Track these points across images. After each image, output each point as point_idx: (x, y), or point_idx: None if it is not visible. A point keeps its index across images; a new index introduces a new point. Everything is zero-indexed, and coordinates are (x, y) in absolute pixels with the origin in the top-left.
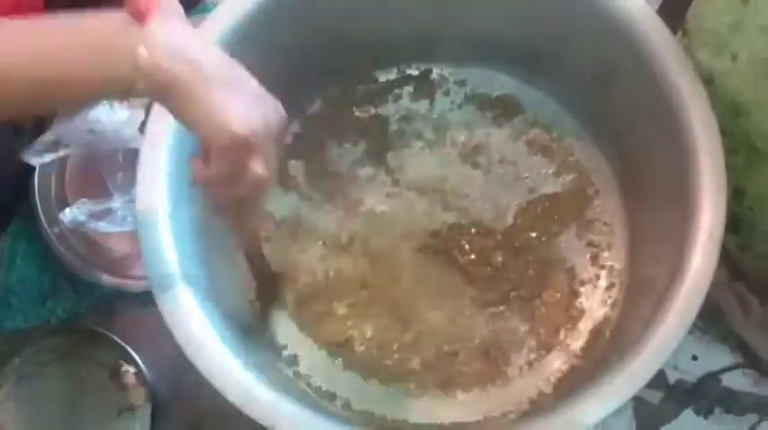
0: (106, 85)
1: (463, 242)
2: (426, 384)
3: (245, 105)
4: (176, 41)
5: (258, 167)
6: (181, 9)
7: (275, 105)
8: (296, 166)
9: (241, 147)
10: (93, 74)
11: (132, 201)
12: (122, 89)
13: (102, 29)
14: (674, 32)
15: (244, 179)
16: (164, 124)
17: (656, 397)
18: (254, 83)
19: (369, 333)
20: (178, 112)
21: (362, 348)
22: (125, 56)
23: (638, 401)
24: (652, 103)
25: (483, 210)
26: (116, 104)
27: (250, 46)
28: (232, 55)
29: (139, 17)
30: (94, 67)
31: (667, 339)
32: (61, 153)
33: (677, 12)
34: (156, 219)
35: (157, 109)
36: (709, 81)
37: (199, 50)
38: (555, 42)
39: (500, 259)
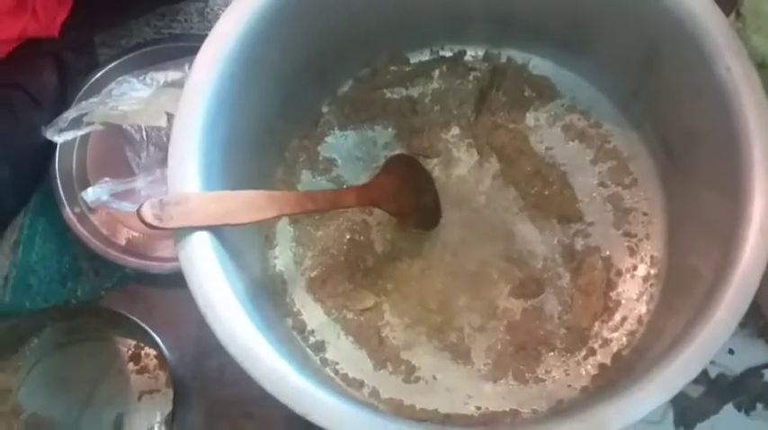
0: None
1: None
2: (456, 374)
3: None
4: None
5: None
6: None
7: None
8: (326, 148)
9: None
10: None
11: (156, 180)
12: None
13: None
14: (726, 14)
15: None
16: (196, 103)
17: (696, 391)
18: None
19: (397, 319)
20: None
21: (390, 335)
22: None
23: (677, 394)
24: (700, 87)
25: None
26: (139, 82)
27: (281, 28)
28: (263, 38)
29: None
30: None
31: (714, 337)
32: (83, 131)
33: None
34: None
35: (189, 88)
36: (762, 66)
37: None
38: (595, 22)
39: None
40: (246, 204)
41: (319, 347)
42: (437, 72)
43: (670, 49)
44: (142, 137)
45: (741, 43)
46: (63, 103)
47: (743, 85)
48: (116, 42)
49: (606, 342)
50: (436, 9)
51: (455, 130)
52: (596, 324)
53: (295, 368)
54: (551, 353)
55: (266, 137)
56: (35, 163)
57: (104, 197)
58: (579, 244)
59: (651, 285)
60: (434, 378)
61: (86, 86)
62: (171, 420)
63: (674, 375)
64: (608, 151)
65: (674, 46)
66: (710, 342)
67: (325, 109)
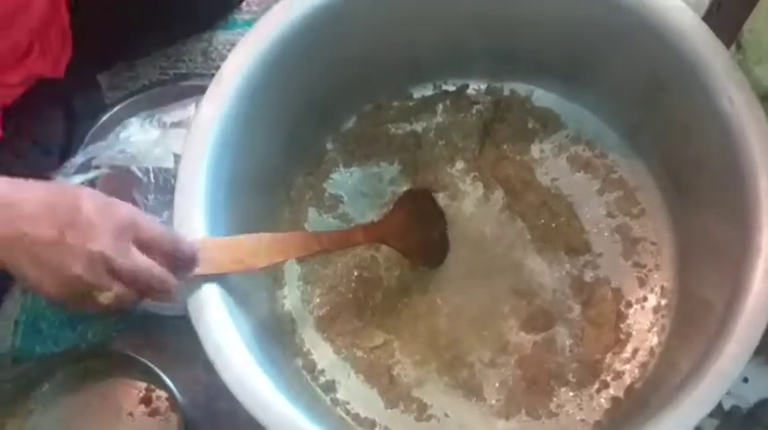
0: None
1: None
2: (469, 411)
3: (78, 240)
4: None
5: (103, 299)
6: None
7: (114, 206)
8: (331, 185)
9: (108, 266)
10: None
11: (164, 223)
12: None
13: None
14: (727, 46)
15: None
16: (202, 144)
17: (711, 425)
18: (81, 203)
19: (408, 356)
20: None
21: (401, 373)
22: None
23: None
24: (704, 119)
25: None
26: (145, 123)
27: (285, 68)
28: (267, 79)
29: None
30: None
31: (727, 370)
32: (91, 175)
33: (723, 26)
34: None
35: (195, 129)
36: (765, 98)
37: (14, 225)
38: (599, 56)
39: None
40: (255, 251)
41: (330, 387)
42: (440, 106)
43: (672, 82)
44: (149, 179)
45: (743, 75)
46: (71, 148)
47: (746, 116)
48: (122, 84)
49: (619, 374)
50: (438, 44)
51: (460, 164)
52: (608, 356)
53: (305, 411)
54: (563, 388)
55: (271, 175)
56: None
57: None
58: (588, 275)
59: (662, 316)
60: (446, 415)
61: (93, 129)
62: None
63: (689, 410)
64: (614, 181)
65: (676, 78)
66: (723, 375)
67: (329, 145)
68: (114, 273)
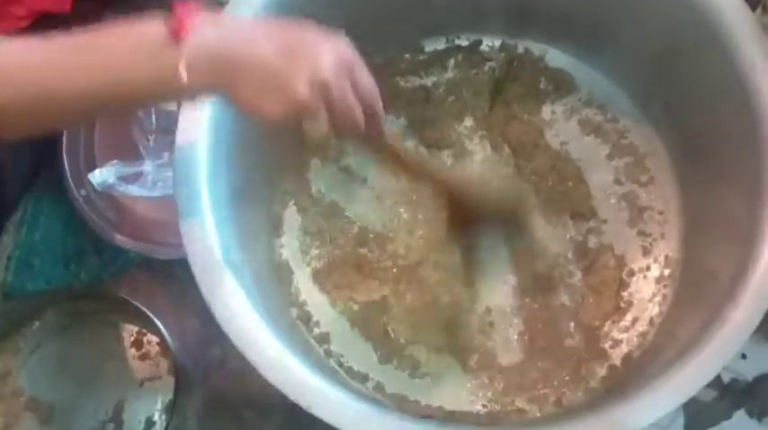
0: (154, 95)
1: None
2: (463, 371)
3: (303, 65)
4: (213, 47)
5: (311, 125)
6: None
7: (337, 41)
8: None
9: (324, 95)
10: (140, 88)
11: (164, 165)
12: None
13: (142, 48)
14: (752, 8)
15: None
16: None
17: (708, 395)
18: (305, 33)
19: (404, 313)
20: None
21: (396, 329)
22: (169, 74)
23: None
24: (722, 83)
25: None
26: None
27: (297, 9)
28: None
29: (176, 34)
30: (142, 82)
31: (731, 340)
32: None
33: None
34: (193, 184)
35: None
36: None
37: (238, 46)
38: (616, 14)
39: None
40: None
41: (324, 339)
42: (452, 61)
43: (690, 46)
44: (151, 120)
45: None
46: None
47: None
48: None
49: (617, 343)
50: None
51: (469, 122)
52: (607, 324)
53: (299, 359)
54: (561, 352)
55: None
56: (39, 144)
57: (111, 180)
58: (592, 241)
59: (665, 286)
60: (440, 374)
61: None
62: (171, 408)
63: (688, 379)
64: (624, 147)
65: (696, 41)
66: (726, 345)
67: None
68: (328, 103)
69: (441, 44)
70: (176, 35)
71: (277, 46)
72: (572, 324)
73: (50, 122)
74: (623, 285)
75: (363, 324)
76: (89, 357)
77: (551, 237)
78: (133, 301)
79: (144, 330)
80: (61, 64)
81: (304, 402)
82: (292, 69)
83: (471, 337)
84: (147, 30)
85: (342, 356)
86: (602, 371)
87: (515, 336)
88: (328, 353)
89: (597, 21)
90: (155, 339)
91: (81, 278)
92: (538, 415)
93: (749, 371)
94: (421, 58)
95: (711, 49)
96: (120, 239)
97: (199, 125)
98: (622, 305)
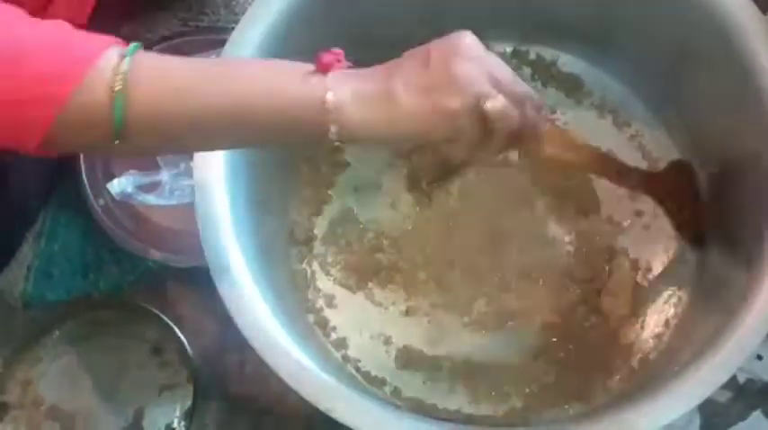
0: (298, 132)
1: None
2: (481, 375)
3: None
4: (357, 87)
5: (528, 112)
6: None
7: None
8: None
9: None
10: (285, 120)
11: (180, 174)
12: (315, 136)
13: (290, 71)
14: (763, 11)
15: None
16: None
17: (724, 396)
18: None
19: (422, 317)
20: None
21: (414, 334)
22: (314, 102)
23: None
24: (736, 89)
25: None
26: None
27: (305, 17)
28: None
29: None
30: (287, 114)
31: (745, 343)
32: None
33: None
34: (212, 194)
35: None
36: None
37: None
38: (629, 20)
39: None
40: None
41: (341, 344)
42: None
43: (703, 48)
44: None
45: None
46: None
47: None
48: (143, 36)
49: (633, 345)
50: (465, 3)
51: None
52: (623, 326)
53: (317, 364)
54: (577, 355)
55: None
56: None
57: (129, 189)
58: (607, 245)
59: (680, 288)
60: (458, 378)
61: None
62: (191, 415)
63: (703, 381)
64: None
65: (708, 44)
66: (742, 346)
67: None
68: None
69: None
70: (324, 69)
71: (464, 93)
72: (588, 326)
73: (189, 144)
74: (638, 287)
75: (381, 329)
76: (109, 365)
77: (566, 240)
78: (152, 310)
79: (163, 338)
80: (212, 80)
81: (324, 405)
82: (475, 112)
83: (488, 342)
84: (293, 63)
85: (359, 361)
86: (618, 373)
87: (530, 342)
88: (346, 359)
89: (609, 26)
90: (174, 347)
91: (100, 287)
92: (554, 417)
93: (765, 372)
94: None
95: (723, 52)
96: (138, 248)
97: None
98: (638, 307)
